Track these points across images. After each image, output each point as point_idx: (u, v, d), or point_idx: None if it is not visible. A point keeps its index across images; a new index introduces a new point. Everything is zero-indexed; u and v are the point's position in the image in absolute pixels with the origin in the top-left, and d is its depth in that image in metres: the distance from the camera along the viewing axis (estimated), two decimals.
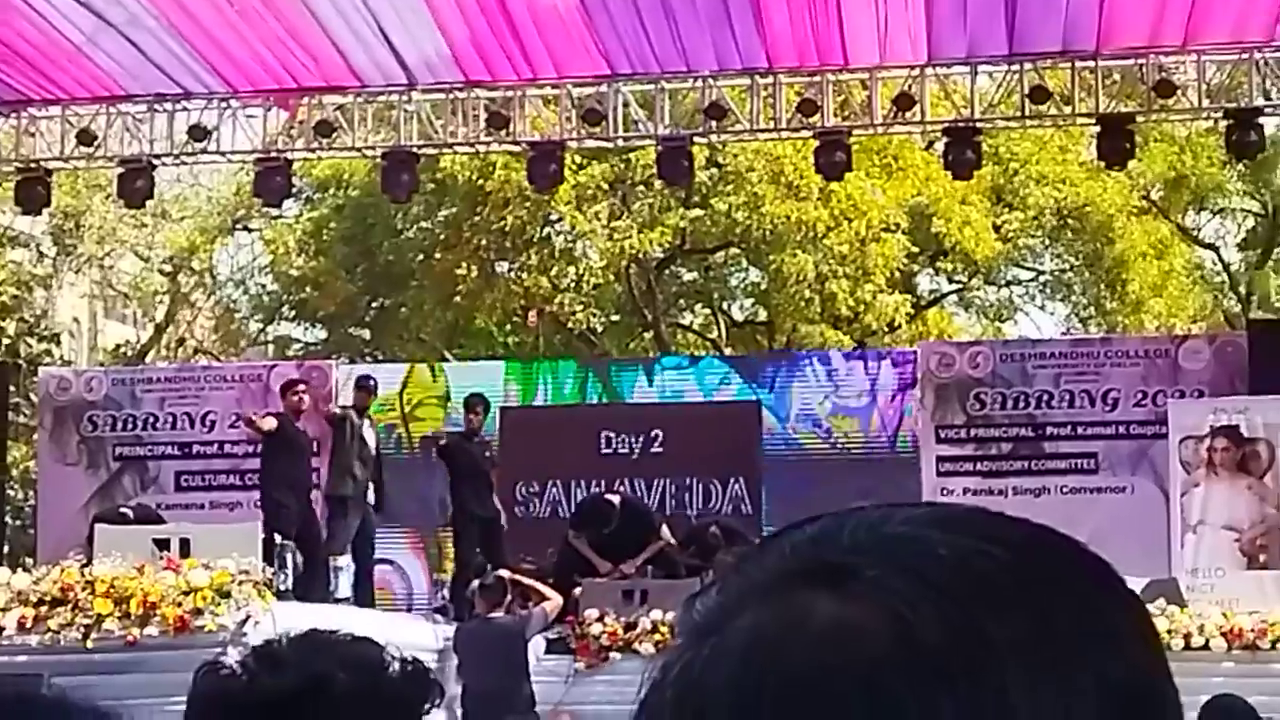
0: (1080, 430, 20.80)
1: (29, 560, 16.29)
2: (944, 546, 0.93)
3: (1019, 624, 0.90)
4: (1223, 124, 20.05)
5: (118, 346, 38.78)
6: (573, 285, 31.75)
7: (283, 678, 2.37)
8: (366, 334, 36.30)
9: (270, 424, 17.71)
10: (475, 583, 15.63)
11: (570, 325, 32.39)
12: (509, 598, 15.00)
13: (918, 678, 0.89)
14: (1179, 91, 19.17)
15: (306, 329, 37.75)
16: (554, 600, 15.27)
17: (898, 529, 0.95)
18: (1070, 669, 0.90)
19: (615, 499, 18.36)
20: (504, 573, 15.58)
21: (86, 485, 22.12)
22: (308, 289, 34.74)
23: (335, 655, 2.41)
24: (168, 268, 38.01)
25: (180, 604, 13.37)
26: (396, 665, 2.45)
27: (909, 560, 0.92)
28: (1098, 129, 19.86)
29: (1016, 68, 19.18)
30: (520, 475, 21.42)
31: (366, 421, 18.18)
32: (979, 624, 0.89)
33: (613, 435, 21.94)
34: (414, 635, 13.94)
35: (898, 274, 31.30)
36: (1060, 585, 0.93)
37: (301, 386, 18.42)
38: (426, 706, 2.48)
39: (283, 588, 14.98)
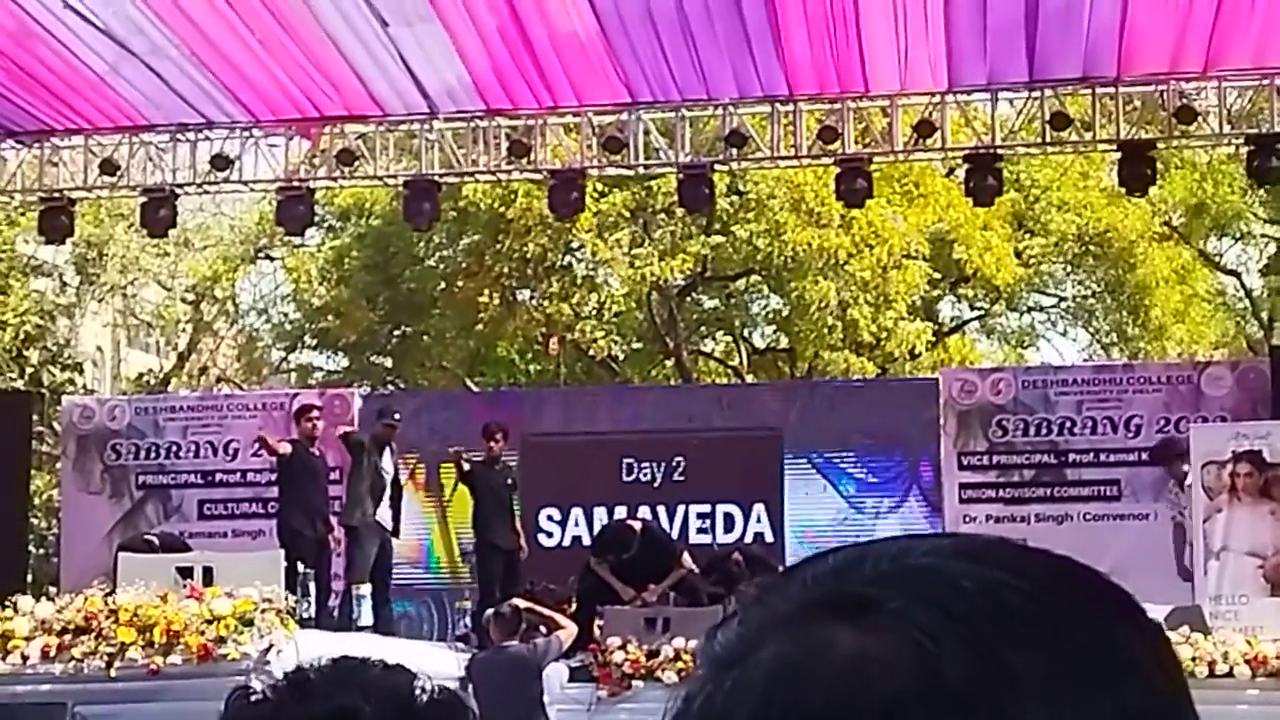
0: (1103, 457, 20.75)
1: (52, 589, 16.33)
2: (967, 578, 0.93)
3: (1041, 656, 0.90)
4: (1244, 150, 20.03)
5: (140, 375, 38.88)
6: (594, 313, 31.79)
7: (308, 708, 2.37)
8: (388, 362, 36.35)
9: (285, 449, 17.75)
10: (489, 612, 15.61)
11: (592, 353, 32.41)
12: (523, 626, 14.95)
13: (940, 710, 0.89)
14: (1200, 117, 19.16)
15: (328, 357, 37.82)
16: (568, 628, 15.25)
17: (920, 560, 0.95)
18: (1091, 700, 0.90)
19: (636, 525, 18.35)
20: (518, 601, 15.56)
21: (110, 514, 22.15)
22: (330, 317, 34.78)
23: (364, 686, 2.39)
24: (190, 296, 38.11)
25: (203, 632, 13.37)
26: (427, 696, 2.44)
27: (931, 592, 0.92)
28: (1119, 155, 19.85)
29: (1037, 94, 19.19)
30: (542, 502, 21.45)
31: (387, 451, 18.15)
32: (1001, 656, 0.89)
33: (634, 462, 21.95)
34: (436, 664, 13.93)
35: (919, 301, 31.31)
36: (1081, 617, 0.93)
37: (315, 412, 18.43)
38: None
39: (305, 616, 14.98)
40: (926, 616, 0.91)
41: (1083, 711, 0.90)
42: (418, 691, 2.44)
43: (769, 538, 21.21)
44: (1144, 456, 20.53)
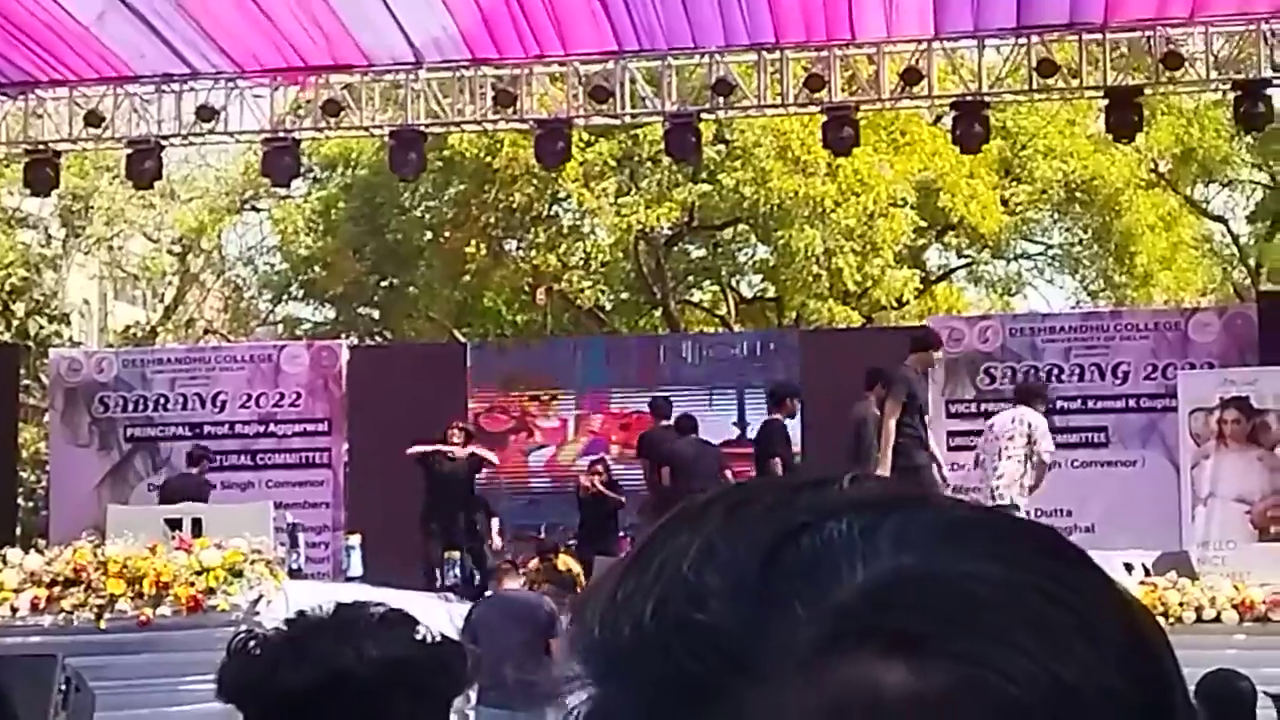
0: (1090, 404, 20.77)
1: (41, 541, 16.32)
2: (978, 582, 0.81)
3: (1086, 662, 0.80)
4: (1231, 96, 20.02)
5: (127, 327, 38.83)
6: (581, 263, 31.76)
7: (304, 672, 2.37)
8: (375, 313, 36.33)
9: None
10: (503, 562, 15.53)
11: (579, 303, 32.39)
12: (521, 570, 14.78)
13: None
14: (1187, 63, 19.14)
15: (315, 308, 37.79)
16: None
17: (910, 563, 0.82)
18: (1124, 687, 0.81)
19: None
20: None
21: (98, 466, 22.15)
22: (316, 268, 34.77)
23: (359, 644, 2.39)
24: (176, 248, 38.06)
25: (193, 584, 13.38)
26: (424, 646, 2.44)
27: (966, 615, 0.80)
28: (1105, 102, 19.84)
29: (1024, 41, 19.15)
30: None
31: None
32: (1060, 678, 0.79)
33: None
34: (426, 616, 13.91)
35: (906, 249, 31.29)
36: (1090, 598, 0.83)
37: None
38: (458, 685, 2.47)
39: (294, 566, 15.00)
40: (985, 649, 0.79)
41: (1130, 710, 0.81)
42: (415, 639, 2.43)
43: None
44: (1131, 403, 20.59)
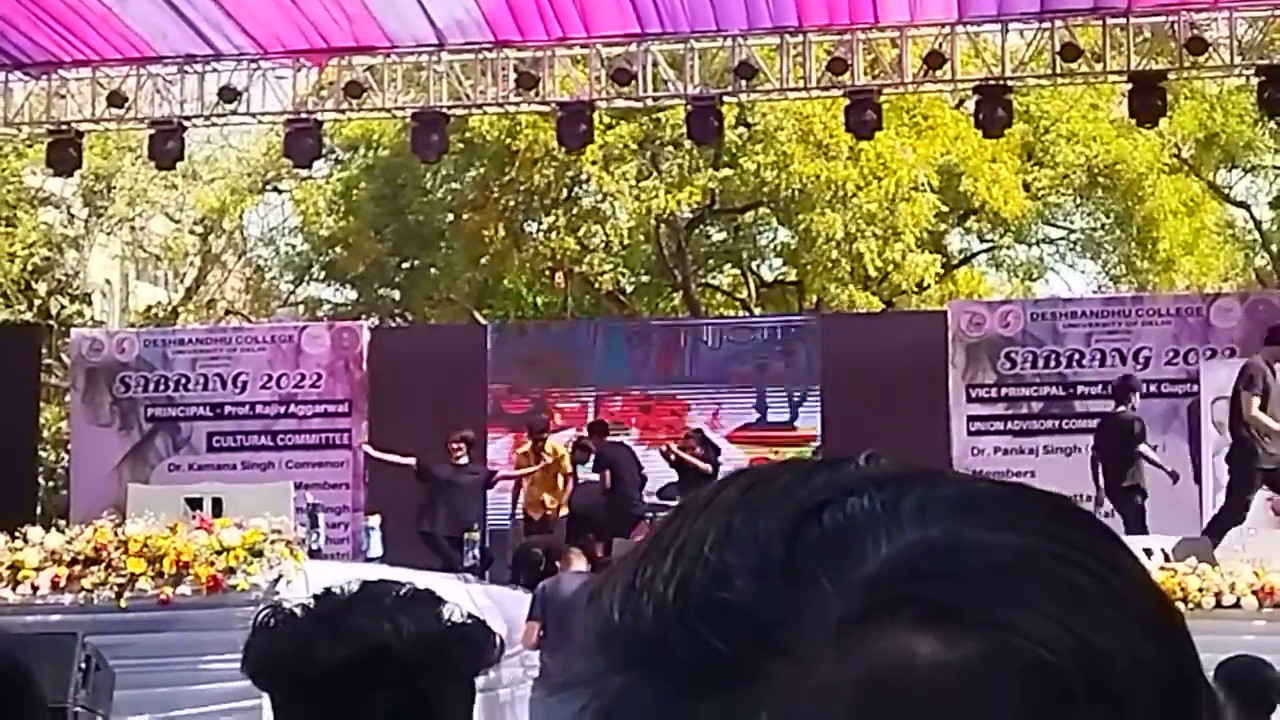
0: (1111, 389, 20.73)
1: (62, 521, 16.36)
2: (1002, 551, 0.81)
3: (1117, 628, 0.80)
4: (1254, 81, 19.97)
5: (149, 308, 38.87)
6: (602, 246, 31.73)
7: (339, 646, 2.36)
8: (396, 294, 36.33)
9: None
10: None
11: (599, 286, 32.36)
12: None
13: None
14: (1210, 48, 19.10)
15: (336, 289, 37.81)
16: None
17: (935, 534, 0.82)
18: (1156, 658, 0.81)
19: None
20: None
21: (119, 446, 22.21)
22: (338, 249, 34.77)
23: (392, 618, 2.39)
24: (198, 229, 38.08)
25: (213, 563, 13.40)
26: (452, 623, 2.44)
27: (990, 583, 0.80)
28: (1129, 86, 19.80)
29: (1047, 25, 19.12)
30: None
31: None
32: (1092, 643, 0.79)
33: None
34: (448, 596, 13.90)
35: (927, 233, 31.22)
36: (1114, 567, 0.83)
37: None
38: (484, 664, 2.47)
39: (314, 547, 15.02)
40: (1015, 616, 0.79)
41: (1159, 677, 0.81)
42: (444, 618, 2.43)
43: None
44: (1153, 389, 20.54)
